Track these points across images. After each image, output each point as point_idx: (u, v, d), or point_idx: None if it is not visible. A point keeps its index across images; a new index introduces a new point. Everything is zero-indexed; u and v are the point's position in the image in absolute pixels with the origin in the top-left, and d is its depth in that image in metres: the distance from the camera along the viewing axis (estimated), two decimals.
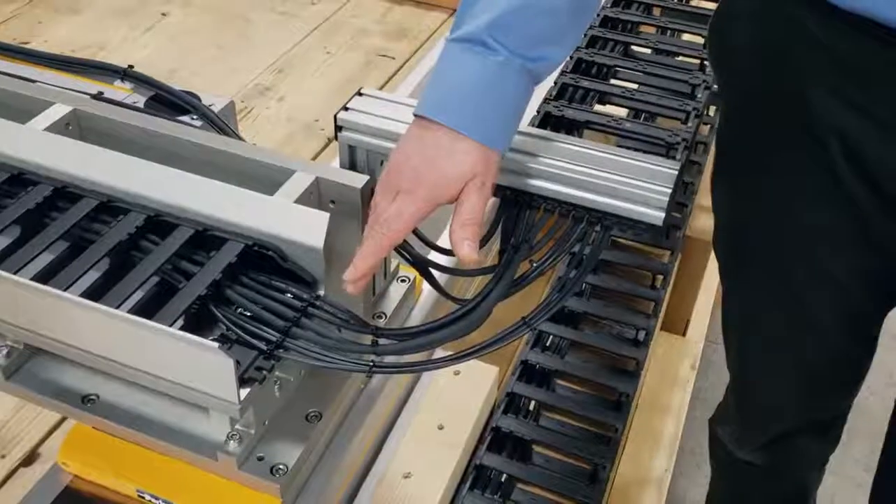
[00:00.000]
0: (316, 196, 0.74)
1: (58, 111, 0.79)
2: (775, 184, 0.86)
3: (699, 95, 1.13)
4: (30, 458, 1.34)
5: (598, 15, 1.30)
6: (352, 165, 0.84)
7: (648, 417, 1.41)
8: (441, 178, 0.67)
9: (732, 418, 1.12)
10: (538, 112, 0.99)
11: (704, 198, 1.56)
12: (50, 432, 1.37)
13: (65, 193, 0.72)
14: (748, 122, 0.88)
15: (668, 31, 1.38)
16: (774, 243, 0.89)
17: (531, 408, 1.18)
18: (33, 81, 0.88)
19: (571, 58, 1.17)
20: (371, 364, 0.66)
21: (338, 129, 0.82)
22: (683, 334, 1.63)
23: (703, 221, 1.55)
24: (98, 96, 0.87)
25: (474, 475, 1.02)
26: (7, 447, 1.34)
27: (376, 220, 0.68)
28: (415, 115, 0.70)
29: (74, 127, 0.80)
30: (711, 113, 1.65)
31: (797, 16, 0.76)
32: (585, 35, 1.23)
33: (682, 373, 1.53)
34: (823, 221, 0.83)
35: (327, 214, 0.68)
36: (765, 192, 0.87)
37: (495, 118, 0.68)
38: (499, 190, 0.77)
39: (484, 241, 0.79)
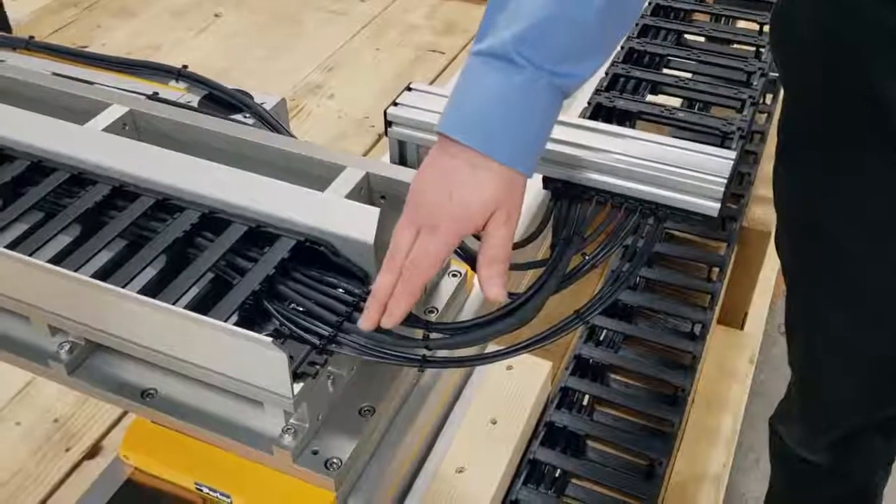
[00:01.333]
0: (366, 191, 0.74)
1: (115, 112, 0.81)
2: (845, 180, 0.83)
3: (755, 83, 1.11)
4: (93, 451, 1.37)
5: (650, 3, 1.28)
6: (402, 160, 0.84)
7: (705, 412, 1.38)
8: (462, 212, 0.63)
9: (795, 417, 1.09)
10: (589, 103, 0.98)
11: (761, 188, 1.52)
12: (112, 426, 1.41)
13: (122, 192, 0.74)
14: (813, 115, 0.85)
15: (722, 19, 1.35)
16: (844, 241, 0.86)
17: (585, 402, 1.16)
18: (91, 83, 0.90)
19: (622, 48, 1.15)
20: (422, 358, 0.66)
21: (388, 124, 0.83)
22: (741, 328, 1.60)
23: (760, 212, 1.52)
24: (153, 96, 0.89)
25: (528, 470, 1.02)
26: (71, 440, 1.38)
27: (395, 256, 0.65)
28: (437, 133, 0.66)
29: (131, 127, 0.82)
30: (768, 101, 1.62)
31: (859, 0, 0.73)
32: (637, 24, 1.21)
33: (740, 367, 1.50)
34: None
35: (378, 209, 0.68)
36: (833, 188, 0.85)
37: (520, 138, 0.64)
38: (550, 182, 0.76)
39: (535, 235, 0.78)
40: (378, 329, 0.66)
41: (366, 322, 0.65)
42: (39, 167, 0.77)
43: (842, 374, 0.96)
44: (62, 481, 1.33)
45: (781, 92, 1.44)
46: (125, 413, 1.38)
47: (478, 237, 0.78)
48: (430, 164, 0.66)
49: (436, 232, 0.64)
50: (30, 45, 1.01)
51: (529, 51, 0.62)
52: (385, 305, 0.64)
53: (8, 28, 2.31)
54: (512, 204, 0.65)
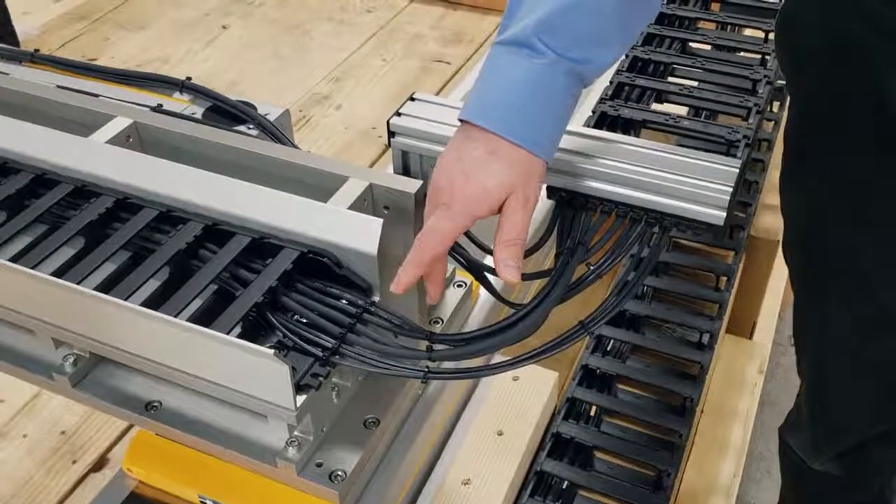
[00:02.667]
0: (370, 202, 0.74)
1: (119, 124, 0.81)
2: (850, 184, 0.83)
3: (760, 91, 1.10)
4: (100, 464, 1.37)
5: None
6: (405, 170, 0.84)
7: (715, 422, 1.37)
8: (477, 191, 0.65)
9: (805, 427, 1.08)
10: (593, 112, 0.98)
11: (769, 196, 1.52)
12: (119, 438, 1.41)
13: (125, 204, 0.74)
14: (819, 119, 0.85)
15: (727, 27, 1.35)
16: (853, 246, 0.86)
17: (592, 413, 1.16)
18: (95, 96, 0.90)
19: (627, 56, 1.15)
20: (426, 370, 0.66)
21: (391, 134, 0.82)
22: (750, 337, 1.59)
23: (768, 220, 1.51)
24: (157, 108, 0.89)
25: (535, 482, 1.01)
26: (78, 453, 1.38)
27: (420, 232, 0.67)
28: (459, 121, 0.68)
29: (135, 139, 0.82)
30: (774, 110, 1.61)
31: (865, 2, 0.73)
32: (642, 33, 1.21)
33: (750, 376, 1.49)
34: None
35: (381, 220, 0.68)
36: (839, 193, 0.84)
37: (540, 121, 0.66)
38: (554, 192, 0.76)
39: (540, 245, 0.78)
40: (382, 340, 0.65)
41: (392, 286, 0.66)
42: (43, 180, 0.77)
43: (851, 381, 0.96)
44: (69, 493, 1.33)
45: (788, 98, 1.43)
46: (131, 425, 1.38)
47: (483, 249, 0.78)
48: (450, 148, 0.68)
49: (449, 210, 0.65)
50: (34, 58, 1.01)
51: (550, 37, 0.64)
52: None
53: (17, 42, 2.32)
54: (529, 188, 0.66)
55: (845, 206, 0.85)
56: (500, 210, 0.67)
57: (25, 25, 2.49)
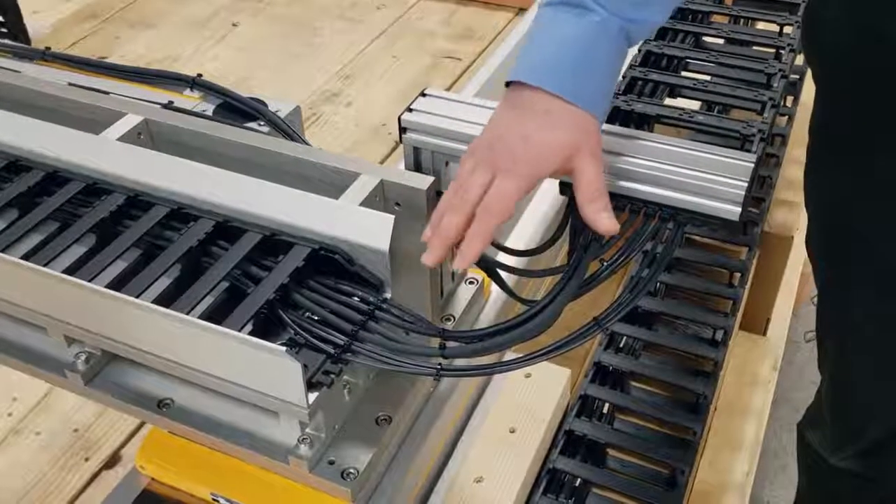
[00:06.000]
0: (381, 199, 0.74)
1: (130, 121, 0.81)
2: (877, 183, 0.82)
3: (775, 85, 1.09)
4: (112, 461, 1.37)
5: None
6: (417, 167, 0.84)
7: (728, 420, 1.36)
8: (541, 152, 0.64)
9: (825, 423, 1.07)
10: None
11: (782, 192, 1.50)
12: (131, 435, 1.41)
13: (137, 201, 0.74)
14: (847, 115, 0.84)
15: (741, 20, 1.34)
16: (876, 243, 0.85)
17: (605, 410, 1.15)
18: (106, 93, 0.90)
19: (639, 50, 1.14)
20: (439, 367, 0.65)
21: (402, 130, 0.82)
22: (764, 334, 1.58)
23: (782, 216, 1.50)
24: (168, 105, 0.89)
25: (547, 479, 1.01)
26: (90, 450, 1.38)
27: (464, 197, 0.64)
28: (508, 84, 0.67)
29: (146, 136, 0.82)
30: (788, 104, 1.60)
31: None
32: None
33: (763, 373, 1.47)
34: None
35: (392, 217, 0.67)
36: (866, 190, 0.83)
37: (593, 80, 0.66)
38: (567, 188, 0.75)
39: (553, 241, 0.77)
40: (394, 337, 0.65)
41: (430, 258, 0.65)
42: (54, 177, 0.77)
43: (874, 377, 0.95)
44: (81, 491, 1.33)
45: (802, 94, 1.43)
46: (144, 422, 1.38)
47: (496, 245, 0.78)
48: (504, 109, 0.67)
49: (511, 175, 0.64)
50: (46, 56, 1.01)
51: None
52: (448, 243, 0.65)
53: (28, 40, 2.33)
54: (592, 142, 0.66)
55: (870, 204, 0.84)
56: (560, 172, 0.66)
57: (35, 24, 2.50)
